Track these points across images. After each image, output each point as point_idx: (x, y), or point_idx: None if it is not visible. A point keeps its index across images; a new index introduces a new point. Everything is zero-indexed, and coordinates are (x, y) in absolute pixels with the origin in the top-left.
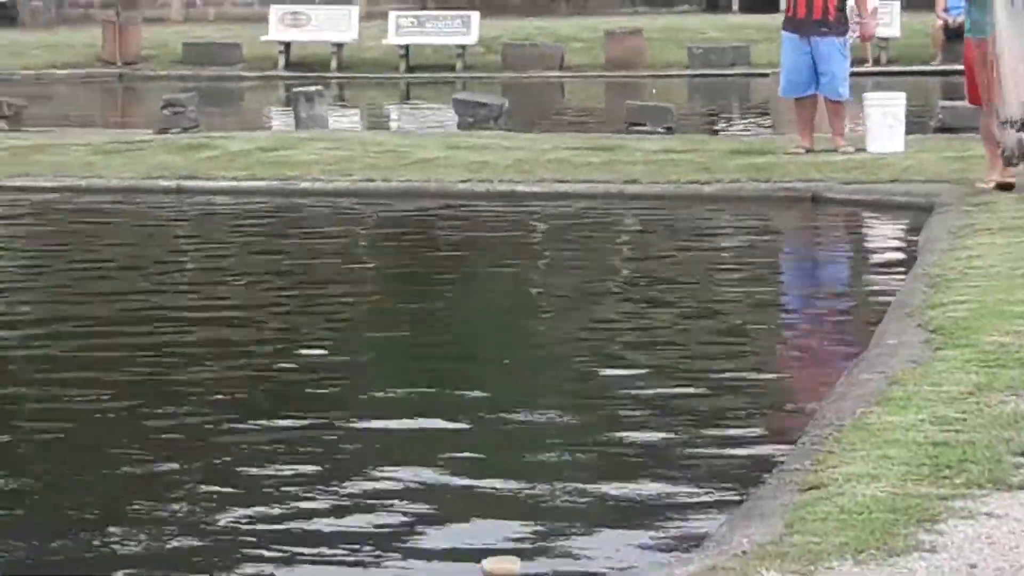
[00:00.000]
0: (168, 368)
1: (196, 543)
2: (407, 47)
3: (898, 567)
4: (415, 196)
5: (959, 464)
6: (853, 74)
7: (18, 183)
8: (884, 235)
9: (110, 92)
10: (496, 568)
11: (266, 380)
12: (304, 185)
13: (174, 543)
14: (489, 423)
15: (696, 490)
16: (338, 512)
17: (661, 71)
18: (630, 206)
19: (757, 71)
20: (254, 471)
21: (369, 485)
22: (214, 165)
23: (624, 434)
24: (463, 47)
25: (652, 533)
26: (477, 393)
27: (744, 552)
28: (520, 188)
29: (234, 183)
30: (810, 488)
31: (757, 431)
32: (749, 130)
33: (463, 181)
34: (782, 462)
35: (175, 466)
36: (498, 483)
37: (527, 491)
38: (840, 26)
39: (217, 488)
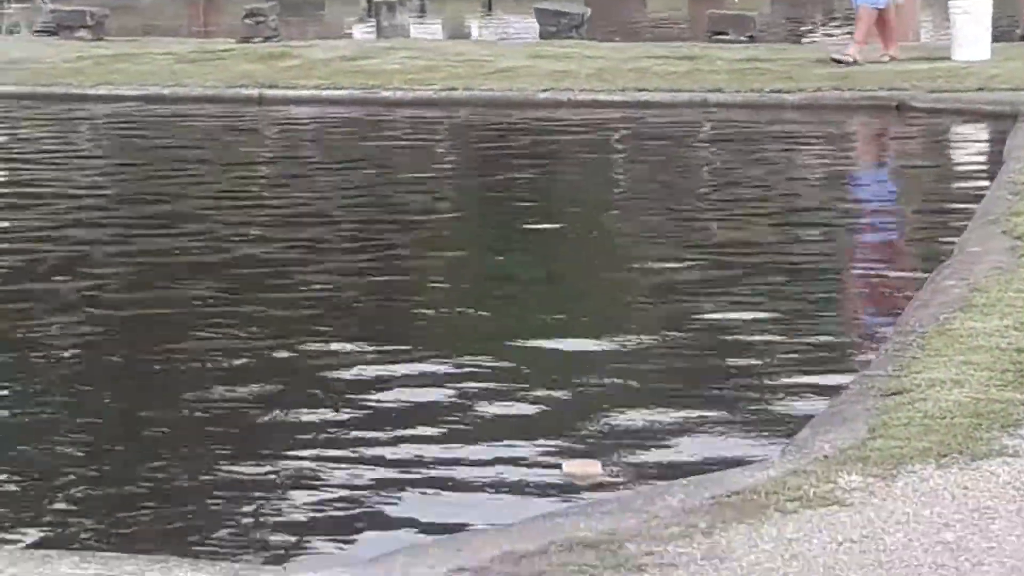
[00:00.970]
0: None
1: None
2: None
3: (981, 471)
4: (497, 105)
5: None
6: None
7: (102, 91)
8: (969, 143)
9: (192, 3)
10: (577, 469)
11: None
12: (386, 94)
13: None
14: (579, 326)
15: (781, 394)
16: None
17: None
18: (712, 115)
19: None
20: (344, 376)
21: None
22: (296, 74)
23: (714, 335)
24: None
25: (734, 437)
26: (564, 313)
27: (826, 456)
28: (601, 97)
29: (315, 92)
30: (893, 393)
31: (838, 339)
32: (833, 38)
33: (544, 90)
34: (865, 367)
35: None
36: (585, 385)
37: (611, 392)
38: None
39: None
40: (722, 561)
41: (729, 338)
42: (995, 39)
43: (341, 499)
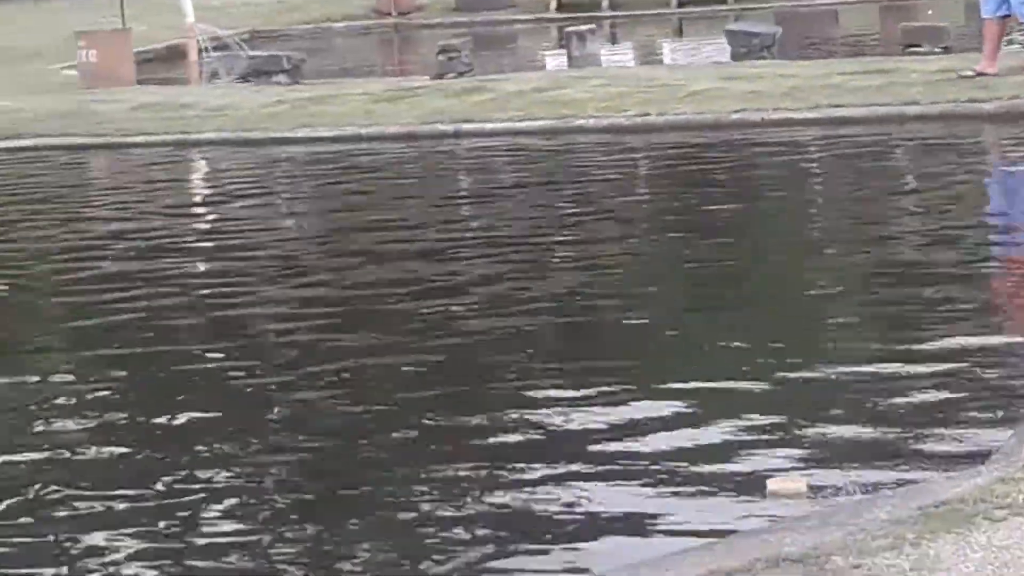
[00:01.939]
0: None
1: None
2: None
3: None
4: (690, 129)
5: None
6: None
7: (300, 134)
8: None
9: (386, 42)
10: (782, 487)
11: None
12: (580, 122)
13: None
14: (773, 332)
15: (984, 403)
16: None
17: None
18: (909, 129)
19: None
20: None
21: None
22: (490, 107)
23: (910, 346)
24: None
25: (938, 446)
26: (765, 330)
27: None
28: (795, 115)
29: (510, 124)
30: None
31: None
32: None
33: (737, 111)
34: None
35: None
36: (783, 394)
37: (811, 400)
38: None
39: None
40: (932, 572)
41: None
42: None
43: (524, 518)
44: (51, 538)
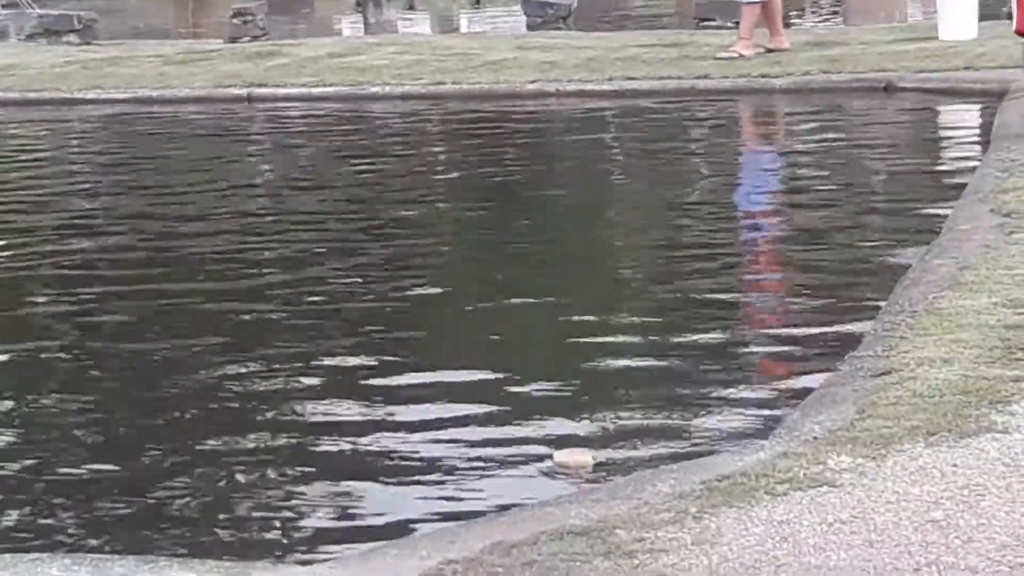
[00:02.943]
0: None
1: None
2: None
3: (970, 448)
4: (485, 98)
5: None
6: None
7: (91, 95)
8: (957, 122)
9: (180, 4)
10: (569, 459)
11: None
12: (374, 90)
13: None
14: (564, 318)
15: (768, 381)
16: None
17: None
18: (700, 101)
19: None
20: (329, 361)
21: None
22: (284, 72)
23: (697, 324)
24: None
25: (723, 423)
26: (551, 295)
27: (815, 437)
28: (590, 87)
29: (304, 89)
30: (882, 374)
31: (828, 318)
32: (821, 22)
33: (532, 82)
34: (854, 349)
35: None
36: (571, 370)
37: (600, 377)
38: None
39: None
40: (712, 545)
41: (719, 317)
42: (981, 18)
43: (330, 493)
44: None
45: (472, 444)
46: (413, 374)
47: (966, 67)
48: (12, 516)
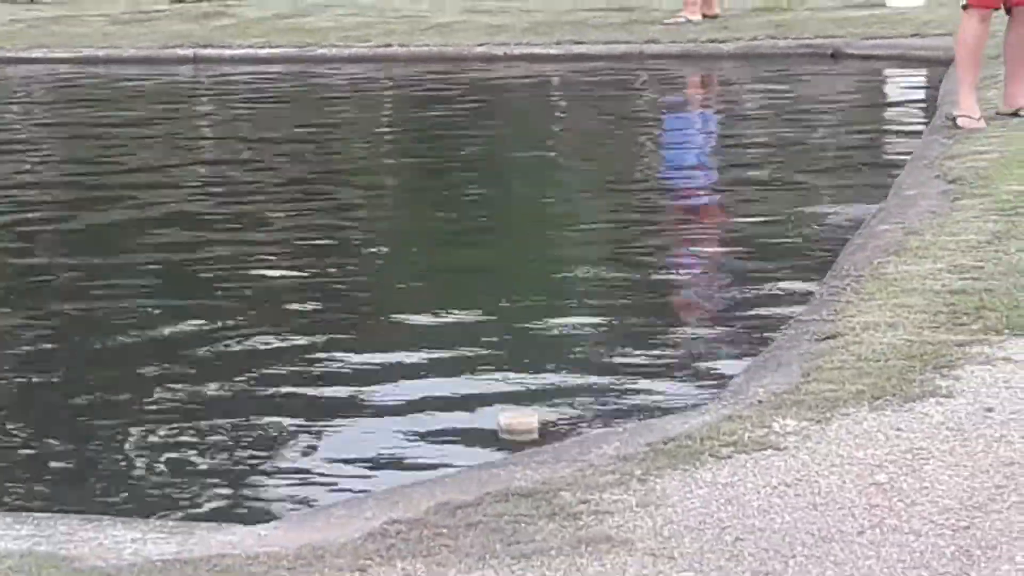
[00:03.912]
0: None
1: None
2: None
3: (914, 412)
4: (433, 61)
5: (976, 311)
6: None
7: (36, 54)
8: (903, 88)
9: None
10: (514, 422)
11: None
12: (322, 51)
13: None
14: (512, 277)
15: (714, 344)
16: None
17: None
18: (648, 66)
19: None
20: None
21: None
22: (231, 32)
23: (643, 288)
24: None
25: (671, 384)
26: (499, 250)
27: (760, 401)
28: (538, 50)
29: (250, 51)
30: (827, 338)
31: (774, 283)
32: None
33: (480, 45)
34: (799, 313)
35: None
36: (518, 336)
37: (546, 342)
38: None
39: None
40: (656, 507)
41: (664, 281)
42: None
43: (275, 455)
44: None
45: (418, 408)
46: (357, 342)
47: (913, 34)
48: None
